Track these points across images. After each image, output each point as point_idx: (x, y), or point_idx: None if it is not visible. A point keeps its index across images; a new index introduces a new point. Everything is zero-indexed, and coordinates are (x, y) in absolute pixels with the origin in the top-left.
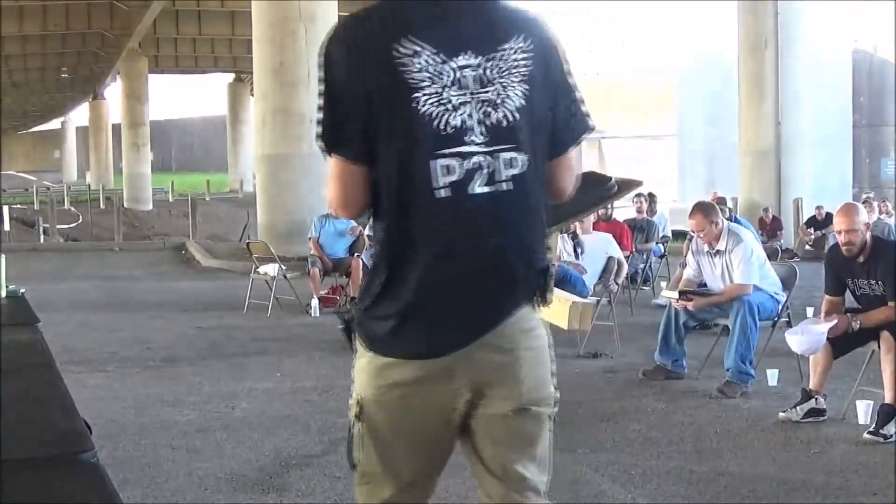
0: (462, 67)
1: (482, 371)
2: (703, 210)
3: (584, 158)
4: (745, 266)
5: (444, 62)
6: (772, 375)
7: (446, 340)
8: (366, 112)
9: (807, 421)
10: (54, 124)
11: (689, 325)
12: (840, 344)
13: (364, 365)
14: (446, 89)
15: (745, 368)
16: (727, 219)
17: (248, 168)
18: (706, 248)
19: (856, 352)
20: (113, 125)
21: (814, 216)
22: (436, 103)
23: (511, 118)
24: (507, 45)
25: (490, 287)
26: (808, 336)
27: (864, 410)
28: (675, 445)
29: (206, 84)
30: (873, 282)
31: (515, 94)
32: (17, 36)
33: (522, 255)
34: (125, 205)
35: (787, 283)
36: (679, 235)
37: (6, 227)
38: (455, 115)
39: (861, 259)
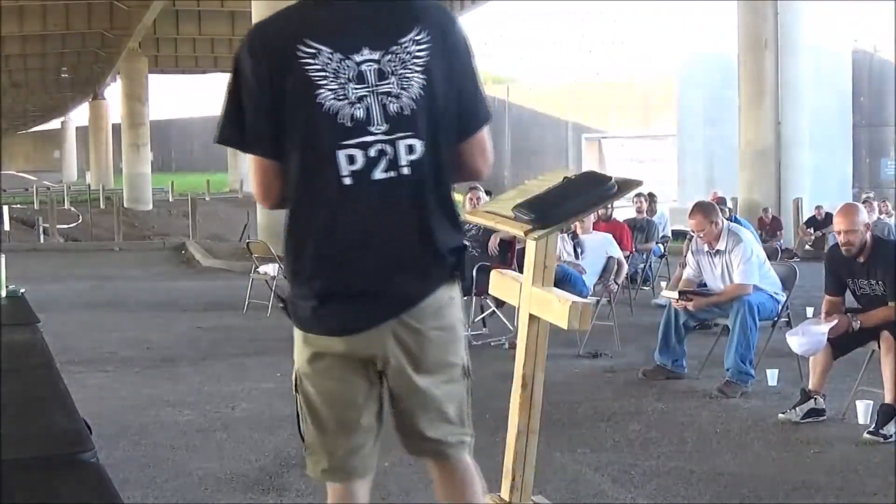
0: (361, 63)
1: (394, 346)
2: (703, 210)
3: (584, 158)
4: (745, 266)
5: (343, 59)
6: (772, 375)
7: (361, 319)
8: (274, 112)
9: (807, 421)
10: (54, 124)
11: (689, 325)
12: (840, 344)
13: (298, 341)
14: (347, 84)
15: (745, 368)
16: (727, 219)
17: (247, 168)
18: (706, 247)
19: (856, 352)
20: (113, 125)
21: (814, 216)
22: (338, 98)
23: (410, 107)
24: (404, 39)
25: (399, 267)
26: (808, 337)
27: (863, 410)
28: (675, 445)
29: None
30: (873, 282)
31: (414, 84)
32: (17, 36)
33: (427, 236)
34: (125, 205)
35: (787, 283)
36: (679, 235)
37: (6, 227)
38: (356, 108)
39: (861, 259)
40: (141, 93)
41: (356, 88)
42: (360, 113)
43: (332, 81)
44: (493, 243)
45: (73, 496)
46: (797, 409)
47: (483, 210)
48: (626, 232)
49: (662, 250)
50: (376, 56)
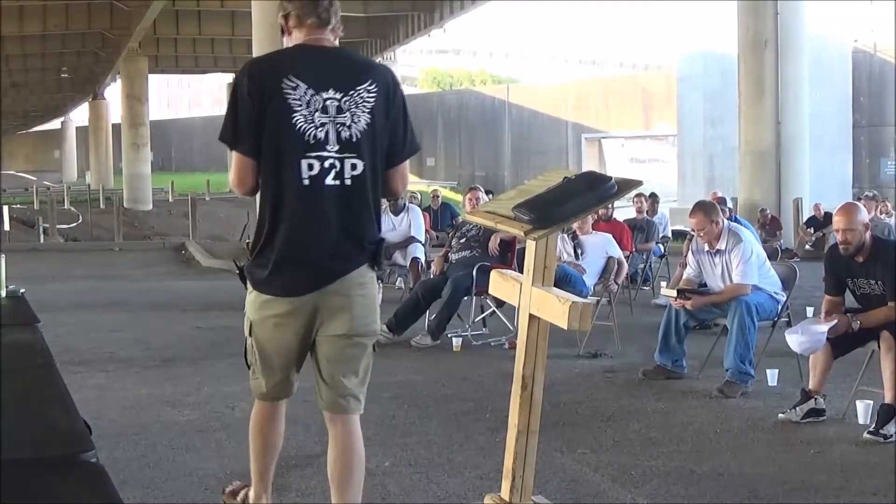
0: (327, 99)
1: (328, 308)
2: (703, 209)
3: (584, 158)
4: (745, 266)
5: (314, 94)
6: (771, 375)
7: (304, 285)
8: (259, 123)
9: (807, 421)
10: (54, 124)
11: (689, 325)
12: (840, 344)
13: (252, 298)
14: (315, 113)
15: (744, 368)
16: (727, 219)
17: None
18: (706, 247)
19: (856, 352)
20: (113, 125)
21: (814, 216)
22: (306, 122)
23: (356, 136)
24: (359, 87)
25: (335, 250)
26: (808, 336)
27: (863, 410)
28: (675, 445)
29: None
30: (873, 282)
31: (361, 120)
32: (17, 36)
33: (357, 231)
34: (125, 205)
35: (787, 283)
36: (679, 235)
37: (6, 227)
38: (318, 131)
39: (861, 259)
40: (141, 93)
41: (320, 116)
42: (321, 134)
43: (304, 109)
44: (494, 243)
45: (73, 496)
46: (797, 408)
47: (483, 210)
48: (627, 232)
49: (662, 250)
50: (338, 96)
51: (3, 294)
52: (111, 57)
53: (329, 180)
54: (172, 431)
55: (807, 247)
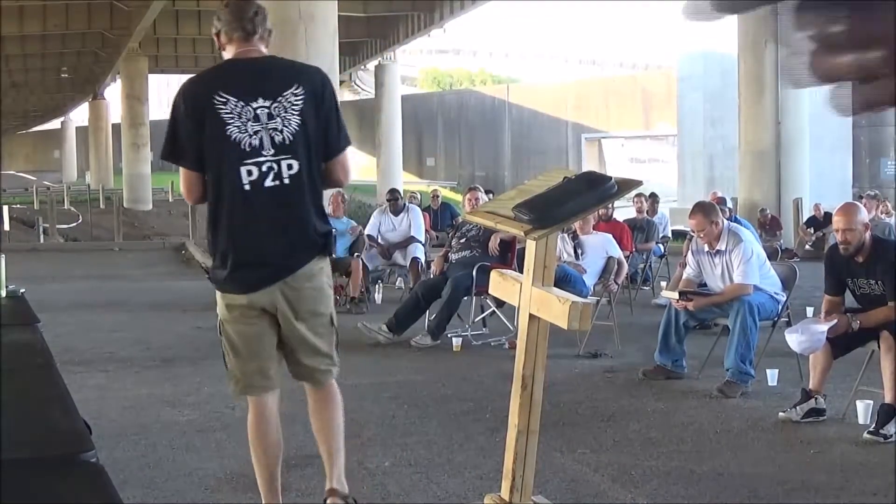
0: (257, 108)
1: (281, 300)
2: (703, 210)
3: (584, 158)
4: (746, 266)
5: (244, 106)
6: (772, 375)
7: (258, 282)
8: (197, 138)
9: (807, 421)
10: (54, 124)
11: (689, 325)
12: (840, 344)
13: (219, 299)
14: (247, 122)
15: (745, 368)
16: (727, 219)
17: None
18: (706, 247)
19: (856, 352)
20: (113, 125)
21: (813, 216)
22: (240, 132)
23: (289, 139)
24: (286, 92)
25: (284, 247)
26: (807, 335)
27: (863, 410)
28: (675, 445)
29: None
30: (873, 282)
31: (292, 123)
32: (17, 36)
33: (301, 225)
34: (125, 205)
35: (787, 283)
36: (679, 235)
37: (6, 227)
38: (253, 139)
39: (861, 259)
40: (141, 93)
41: (253, 125)
42: (255, 142)
43: (236, 120)
44: (494, 243)
45: (73, 496)
46: (797, 408)
47: (483, 210)
48: (627, 232)
49: (662, 250)
50: (268, 103)
51: (3, 294)
52: (111, 57)
53: (268, 182)
54: (172, 431)
55: (807, 247)
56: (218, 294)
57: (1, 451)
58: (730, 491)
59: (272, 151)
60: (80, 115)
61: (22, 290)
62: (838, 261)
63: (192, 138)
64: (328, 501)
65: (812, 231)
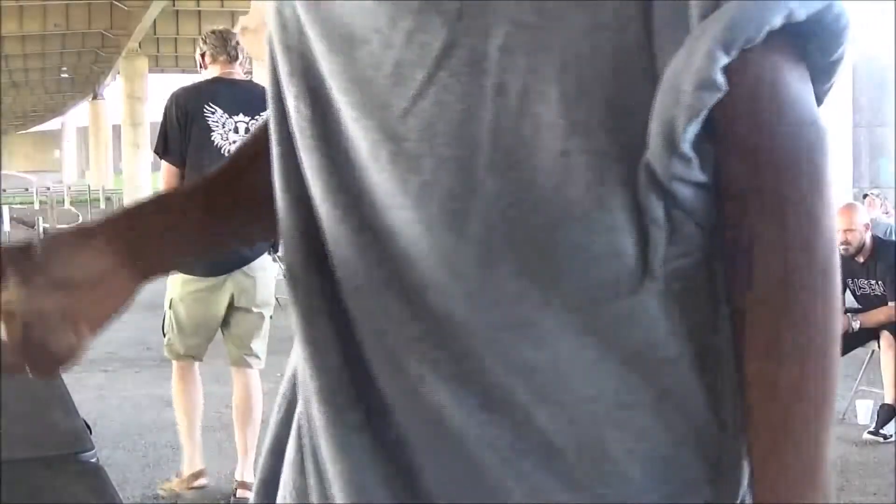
0: (238, 122)
1: (238, 286)
2: None
3: None
4: None
5: (228, 117)
6: None
7: (221, 268)
8: (184, 141)
9: None
10: (54, 124)
11: None
12: (840, 344)
13: (174, 278)
14: (229, 132)
15: None
16: None
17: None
18: None
19: (856, 351)
20: (113, 125)
21: None
22: (222, 139)
23: None
24: (263, 112)
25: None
26: None
27: (864, 410)
28: None
29: None
30: (873, 282)
31: None
32: (17, 36)
33: None
34: (125, 205)
35: None
36: None
37: (6, 227)
38: (231, 146)
39: (861, 259)
40: (141, 93)
41: (233, 135)
42: (233, 149)
43: (220, 129)
44: None
45: (73, 496)
46: None
47: None
48: None
49: None
50: (247, 119)
51: None
52: (111, 57)
53: None
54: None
55: None
56: (177, 276)
57: (1, 451)
58: None
59: None
60: (80, 115)
61: None
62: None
63: (180, 139)
64: (237, 493)
65: None
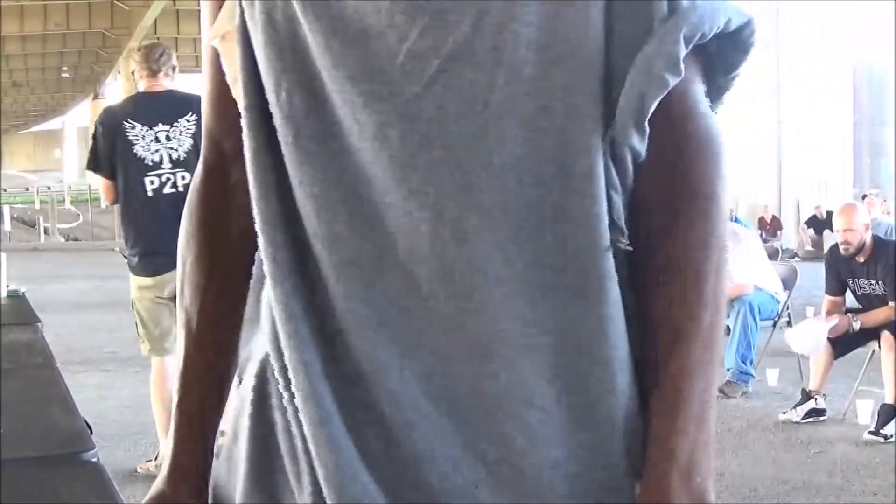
0: (158, 131)
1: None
2: None
3: None
4: (746, 266)
5: (148, 130)
6: (772, 375)
7: (161, 266)
8: (111, 155)
9: (807, 421)
10: (55, 124)
11: None
12: (841, 344)
13: (133, 281)
14: (150, 143)
15: (745, 368)
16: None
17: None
18: None
19: (856, 352)
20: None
21: (814, 215)
22: (144, 150)
23: (183, 156)
24: (182, 119)
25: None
26: (809, 335)
27: (864, 410)
28: None
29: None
30: (874, 282)
31: (185, 143)
32: (17, 35)
33: None
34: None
35: (788, 282)
36: None
37: (7, 226)
38: (154, 156)
39: (861, 259)
40: None
41: (154, 145)
42: (156, 158)
43: (141, 141)
44: None
45: (73, 496)
46: (798, 408)
47: None
48: None
49: None
50: (166, 128)
51: (4, 294)
52: (112, 57)
53: (167, 189)
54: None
55: (807, 247)
56: (132, 277)
57: (1, 450)
58: (730, 491)
59: (170, 166)
60: (80, 114)
61: (23, 290)
62: (839, 261)
63: (106, 155)
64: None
65: (813, 231)
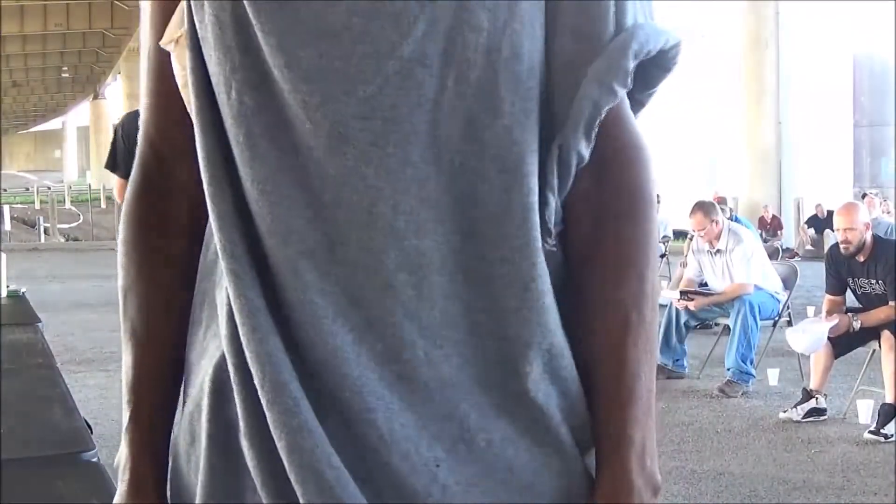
0: None
1: None
2: (703, 209)
3: None
4: (746, 265)
5: None
6: (772, 375)
7: None
8: (128, 158)
9: (808, 420)
10: (55, 124)
11: (689, 325)
12: (841, 343)
13: None
14: None
15: (745, 368)
16: (728, 218)
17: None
18: (707, 247)
19: (857, 351)
20: (114, 125)
21: (815, 215)
22: None
23: None
24: None
25: None
26: (809, 335)
27: (865, 410)
28: (676, 445)
29: None
30: (874, 281)
31: None
32: (17, 35)
33: None
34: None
35: (788, 282)
36: (679, 235)
37: (7, 226)
38: None
39: (861, 258)
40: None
41: None
42: None
43: None
44: None
45: (73, 496)
46: (798, 407)
47: None
48: None
49: (663, 250)
50: None
51: (4, 294)
52: (112, 56)
53: None
54: None
55: (807, 246)
56: None
57: (1, 451)
58: (731, 490)
59: None
60: (80, 114)
61: (23, 290)
62: (839, 260)
63: (124, 157)
64: None
65: (813, 231)
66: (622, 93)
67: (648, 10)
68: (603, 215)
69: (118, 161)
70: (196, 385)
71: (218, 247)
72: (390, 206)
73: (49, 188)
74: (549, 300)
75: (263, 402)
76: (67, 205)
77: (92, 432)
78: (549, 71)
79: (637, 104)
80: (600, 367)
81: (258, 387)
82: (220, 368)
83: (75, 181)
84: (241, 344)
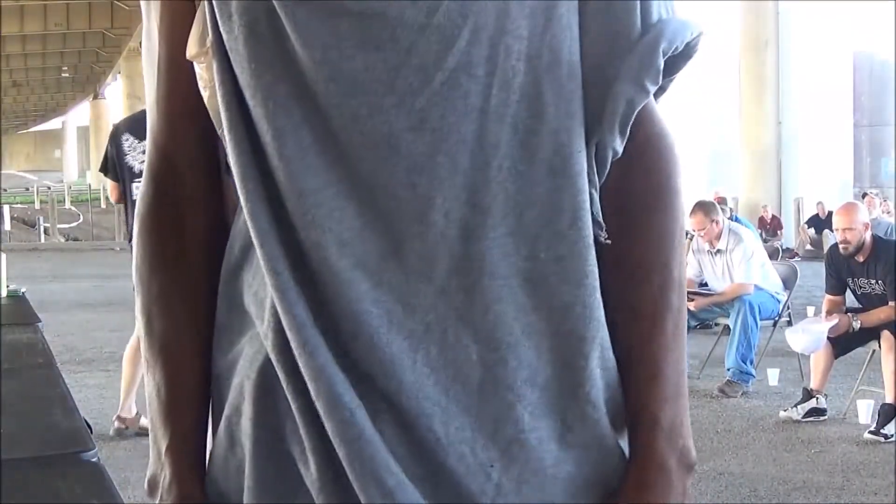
0: (146, 144)
1: None
2: (703, 209)
3: None
4: (746, 265)
5: (139, 143)
6: (772, 375)
7: None
8: (117, 163)
9: (808, 420)
10: (55, 124)
11: (689, 325)
12: (841, 343)
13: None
14: (139, 154)
15: (745, 368)
16: (728, 218)
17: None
18: (707, 247)
19: (857, 351)
20: (114, 125)
21: (816, 215)
22: (133, 160)
23: None
24: None
25: None
26: (809, 335)
27: (865, 410)
28: None
29: None
30: (873, 281)
31: None
32: (17, 35)
33: None
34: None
35: (788, 282)
36: None
37: (7, 226)
38: (142, 165)
39: (861, 258)
40: (141, 93)
41: (142, 156)
42: (143, 167)
43: (133, 152)
44: None
45: (73, 496)
46: (798, 407)
47: None
48: None
49: None
50: None
51: (4, 294)
52: (112, 56)
53: None
54: None
55: (807, 246)
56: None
57: (1, 451)
58: (731, 490)
59: None
60: (80, 114)
61: (23, 290)
62: (839, 260)
63: (114, 162)
64: (115, 424)
65: (813, 231)
66: (654, 89)
67: (670, 3)
68: (631, 205)
69: (108, 166)
70: (233, 388)
71: (262, 262)
72: (442, 213)
73: (49, 188)
74: (599, 294)
75: (321, 412)
76: (67, 205)
77: (92, 432)
78: (584, 70)
79: (659, 90)
80: (630, 353)
81: (314, 398)
82: (264, 373)
83: (75, 181)
84: (293, 357)
